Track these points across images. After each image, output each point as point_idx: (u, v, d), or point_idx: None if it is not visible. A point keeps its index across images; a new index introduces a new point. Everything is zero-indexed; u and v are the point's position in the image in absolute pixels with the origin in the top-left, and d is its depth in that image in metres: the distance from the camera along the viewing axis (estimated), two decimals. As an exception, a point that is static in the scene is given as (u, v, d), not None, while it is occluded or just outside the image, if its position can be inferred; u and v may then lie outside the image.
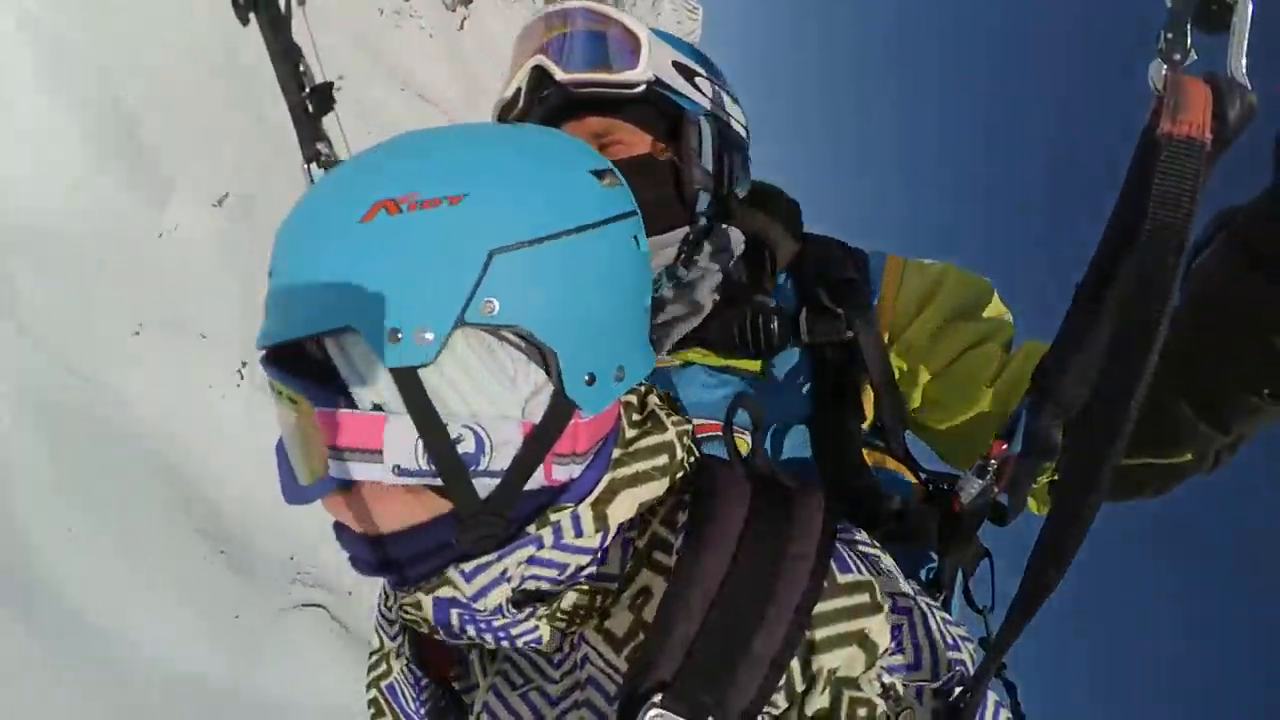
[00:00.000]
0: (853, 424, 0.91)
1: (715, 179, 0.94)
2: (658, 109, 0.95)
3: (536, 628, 0.61)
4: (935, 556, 0.95)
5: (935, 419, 0.93)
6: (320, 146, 1.00)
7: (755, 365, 0.93)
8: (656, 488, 0.61)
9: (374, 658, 0.81)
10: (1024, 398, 0.69)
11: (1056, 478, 0.79)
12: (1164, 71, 0.51)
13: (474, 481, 0.55)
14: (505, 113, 0.99)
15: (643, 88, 0.90)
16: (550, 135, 0.63)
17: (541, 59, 0.91)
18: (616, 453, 0.61)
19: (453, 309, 0.52)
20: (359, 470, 0.55)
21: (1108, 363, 0.50)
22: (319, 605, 3.36)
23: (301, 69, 0.97)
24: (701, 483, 0.62)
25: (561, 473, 0.58)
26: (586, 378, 0.57)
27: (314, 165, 1.02)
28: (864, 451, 0.91)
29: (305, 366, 0.57)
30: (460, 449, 0.54)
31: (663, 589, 0.58)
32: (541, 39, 0.94)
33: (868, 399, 0.93)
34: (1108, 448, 0.48)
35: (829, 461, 0.90)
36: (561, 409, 0.56)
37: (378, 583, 0.70)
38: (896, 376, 0.91)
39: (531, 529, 0.57)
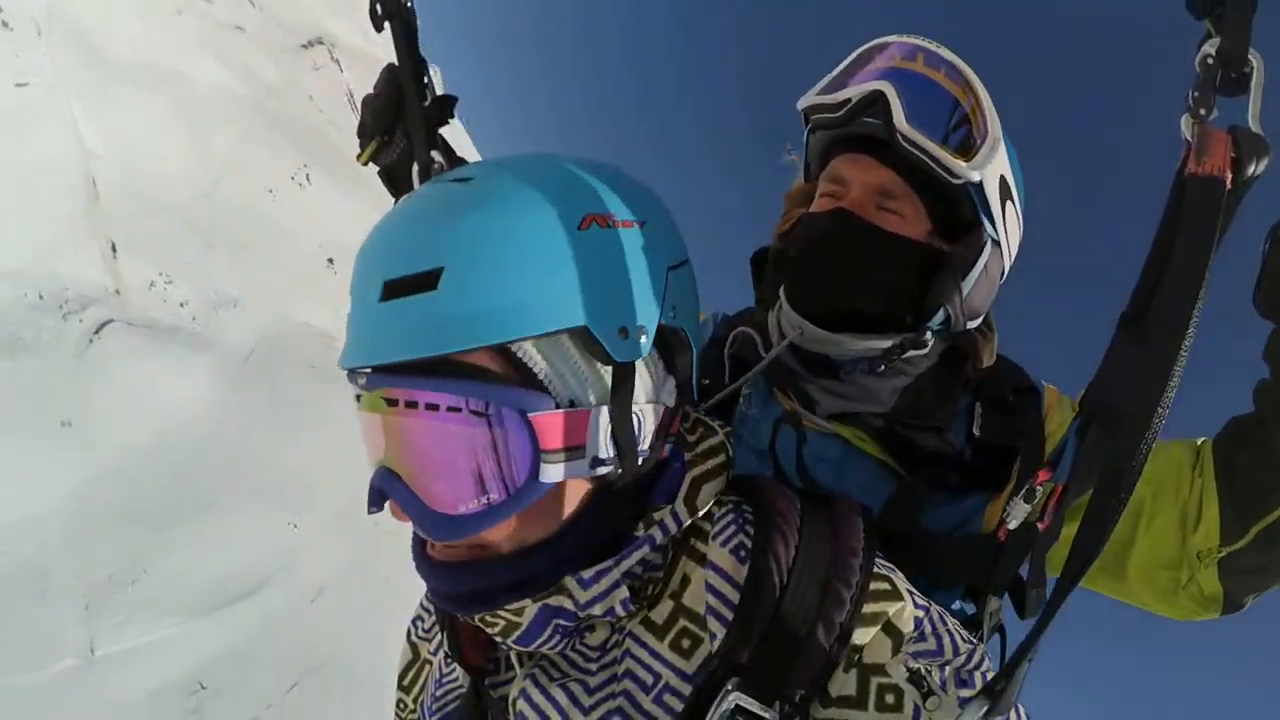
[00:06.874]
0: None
1: (963, 303, 0.88)
2: (951, 200, 0.88)
3: (595, 628, 0.67)
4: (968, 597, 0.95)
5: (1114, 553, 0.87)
6: (434, 154, 1.09)
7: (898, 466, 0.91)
8: (722, 482, 0.70)
9: (409, 673, 0.87)
10: (1070, 424, 0.71)
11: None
12: (1191, 124, 0.62)
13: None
14: (817, 113, 0.94)
15: (960, 181, 0.84)
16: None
17: (890, 92, 0.84)
18: (687, 455, 0.70)
19: (656, 312, 0.61)
20: (569, 469, 0.57)
21: (1148, 358, 0.55)
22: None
23: (425, 80, 1.09)
24: (756, 495, 0.70)
25: (667, 450, 0.67)
26: (700, 374, 0.70)
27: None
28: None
29: (442, 372, 0.56)
30: None
31: (699, 575, 0.65)
32: (895, 65, 0.88)
33: (996, 508, 0.89)
34: (1144, 434, 0.53)
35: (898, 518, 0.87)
36: (686, 397, 0.68)
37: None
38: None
39: (639, 531, 0.64)
